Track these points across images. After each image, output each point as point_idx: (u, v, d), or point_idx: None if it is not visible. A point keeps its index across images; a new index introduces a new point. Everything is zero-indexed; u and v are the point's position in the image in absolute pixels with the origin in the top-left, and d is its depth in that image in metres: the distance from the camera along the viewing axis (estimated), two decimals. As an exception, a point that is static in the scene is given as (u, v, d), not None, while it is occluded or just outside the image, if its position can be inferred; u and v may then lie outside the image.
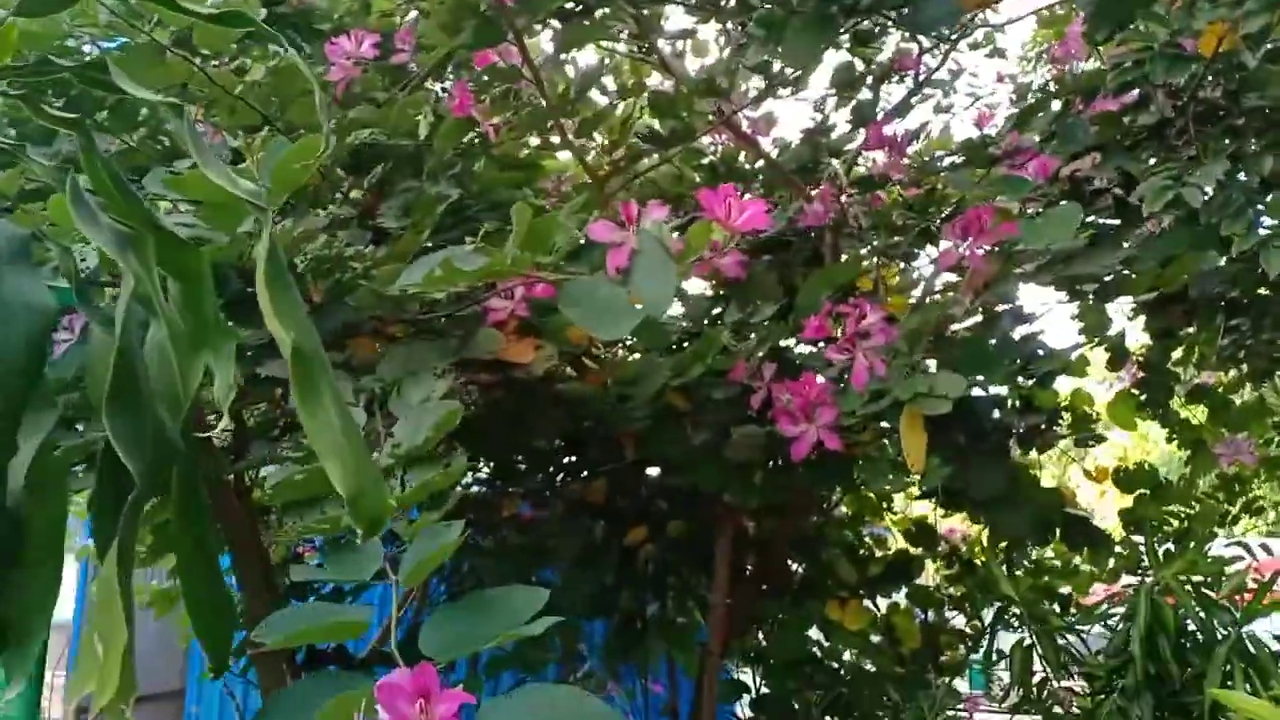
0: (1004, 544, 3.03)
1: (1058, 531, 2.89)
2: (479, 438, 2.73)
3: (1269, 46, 1.90)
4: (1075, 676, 2.82)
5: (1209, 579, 2.61)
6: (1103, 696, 2.57)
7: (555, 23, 2.26)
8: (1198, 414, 3.36)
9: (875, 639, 3.54)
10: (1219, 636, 2.45)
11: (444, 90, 2.47)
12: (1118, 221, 2.28)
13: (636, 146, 2.38)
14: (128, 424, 0.72)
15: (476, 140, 2.51)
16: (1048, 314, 2.84)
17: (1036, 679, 2.82)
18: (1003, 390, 2.66)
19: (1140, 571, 3.11)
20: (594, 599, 3.19)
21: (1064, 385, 3.05)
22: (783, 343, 2.57)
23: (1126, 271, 2.42)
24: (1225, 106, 1.99)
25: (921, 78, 2.70)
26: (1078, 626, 2.86)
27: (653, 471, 3.29)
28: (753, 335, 2.39)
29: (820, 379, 2.21)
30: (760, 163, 2.82)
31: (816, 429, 2.10)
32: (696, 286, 3.14)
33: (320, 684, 1.14)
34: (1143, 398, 3.16)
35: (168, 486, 0.82)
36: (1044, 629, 2.73)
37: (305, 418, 0.77)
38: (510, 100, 2.35)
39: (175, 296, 1.06)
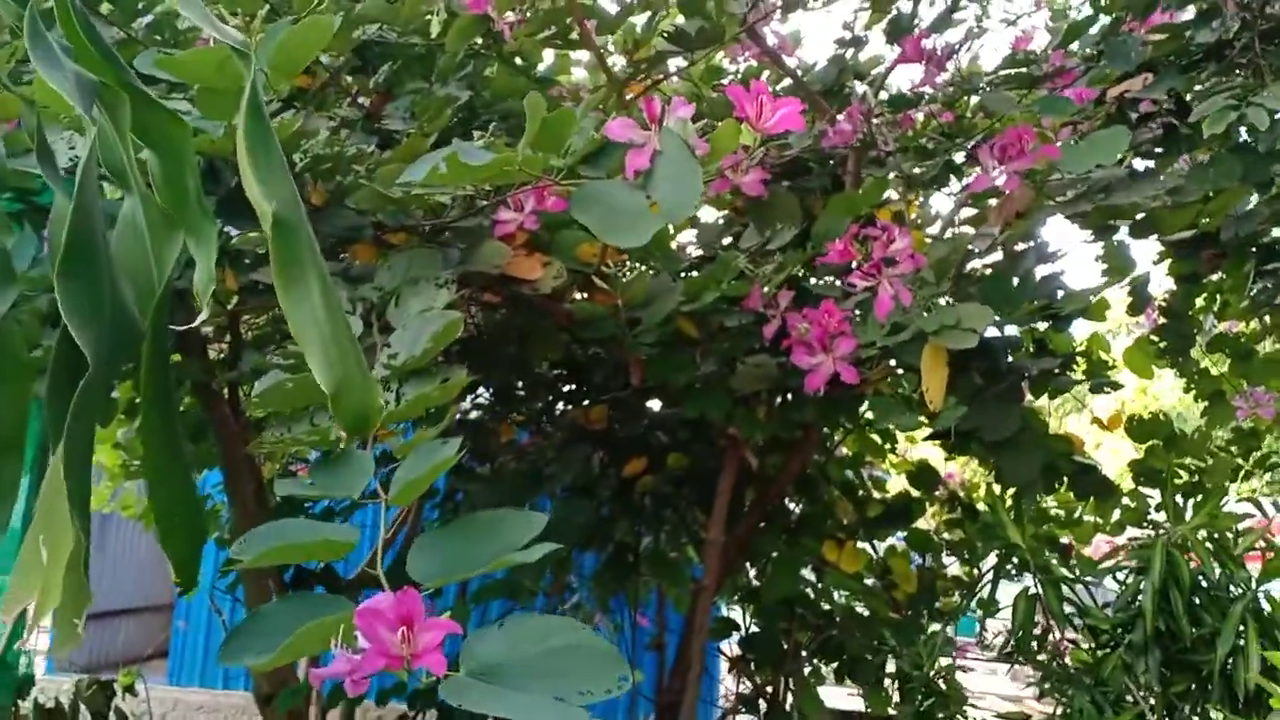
0: (1011, 490, 2.95)
1: (1065, 480, 2.82)
2: (480, 358, 2.64)
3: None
4: (1078, 630, 2.76)
5: (1223, 535, 2.53)
6: (1108, 650, 2.51)
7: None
8: (1217, 364, 3.27)
9: (870, 582, 3.50)
10: (1233, 595, 2.38)
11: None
12: (1160, 150, 2.15)
13: (662, 48, 2.23)
14: (80, 292, 0.62)
15: (491, 42, 2.37)
16: (1068, 254, 2.74)
17: (1037, 631, 2.76)
18: (1016, 332, 2.57)
19: (1150, 524, 3.04)
20: (589, 529, 3.13)
21: (1079, 331, 2.96)
22: (798, 271, 2.47)
23: (1161, 208, 2.31)
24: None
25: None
26: (1085, 579, 2.79)
27: (655, 404, 3.21)
28: (771, 261, 2.27)
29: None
30: (786, 82, 2.68)
31: (833, 360, 2.00)
32: (709, 215, 3.02)
33: (301, 605, 1.05)
34: (1162, 345, 3.07)
35: (129, 373, 0.72)
36: (1050, 579, 2.66)
37: (284, 299, 0.66)
38: (528, -5, 2.20)
39: (154, 171, 0.95)
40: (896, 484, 3.87)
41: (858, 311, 2.18)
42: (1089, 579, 2.84)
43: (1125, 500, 3.23)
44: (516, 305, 2.37)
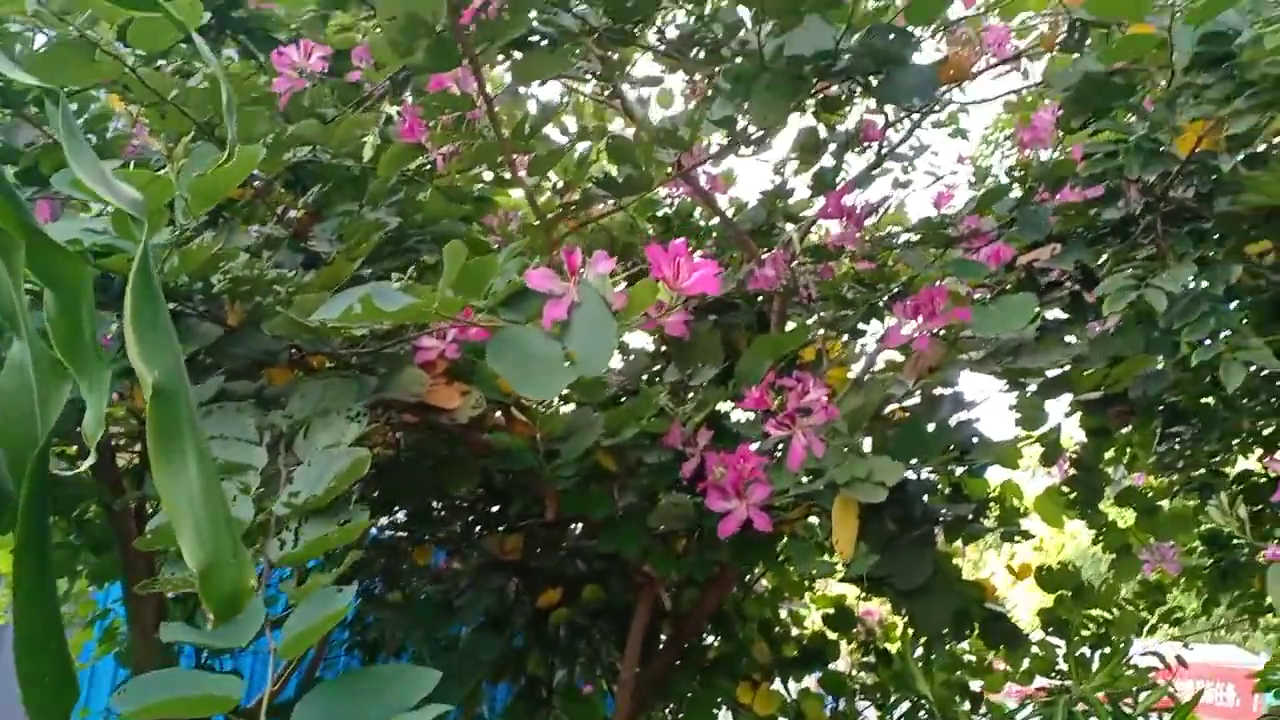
0: (923, 638, 2.95)
1: (975, 626, 2.83)
2: (397, 479, 2.58)
3: (1249, 150, 1.86)
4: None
5: (1123, 695, 2.54)
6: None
7: (516, 54, 2.16)
8: (1125, 516, 3.34)
9: (784, 726, 3.43)
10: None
11: (397, 113, 2.35)
12: (1067, 316, 2.23)
13: (591, 191, 2.28)
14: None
15: (426, 168, 2.40)
16: (984, 402, 2.80)
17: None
18: (932, 476, 2.60)
19: (1057, 675, 3.05)
20: (501, 662, 3.04)
21: (993, 476, 3.01)
22: (720, 406, 2.48)
23: (1071, 368, 2.38)
24: (1195, 209, 1.96)
25: (884, 151, 2.66)
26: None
27: (577, 526, 3.16)
28: (691, 398, 2.28)
29: (754, 447, 2.11)
30: (715, 220, 2.74)
31: (746, 506, 2.00)
32: (639, 340, 3.04)
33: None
34: (1072, 496, 3.13)
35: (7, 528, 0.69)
36: (957, 729, 2.63)
37: (158, 472, 0.64)
38: (462, 130, 2.24)
39: (49, 309, 0.93)
40: (817, 618, 3.84)
41: (779, 451, 2.19)
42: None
43: (1035, 649, 3.24)
44: (435, 432, 2.33)
